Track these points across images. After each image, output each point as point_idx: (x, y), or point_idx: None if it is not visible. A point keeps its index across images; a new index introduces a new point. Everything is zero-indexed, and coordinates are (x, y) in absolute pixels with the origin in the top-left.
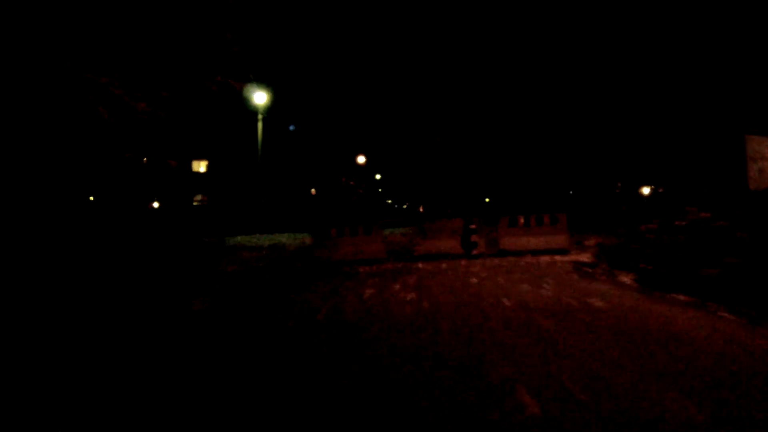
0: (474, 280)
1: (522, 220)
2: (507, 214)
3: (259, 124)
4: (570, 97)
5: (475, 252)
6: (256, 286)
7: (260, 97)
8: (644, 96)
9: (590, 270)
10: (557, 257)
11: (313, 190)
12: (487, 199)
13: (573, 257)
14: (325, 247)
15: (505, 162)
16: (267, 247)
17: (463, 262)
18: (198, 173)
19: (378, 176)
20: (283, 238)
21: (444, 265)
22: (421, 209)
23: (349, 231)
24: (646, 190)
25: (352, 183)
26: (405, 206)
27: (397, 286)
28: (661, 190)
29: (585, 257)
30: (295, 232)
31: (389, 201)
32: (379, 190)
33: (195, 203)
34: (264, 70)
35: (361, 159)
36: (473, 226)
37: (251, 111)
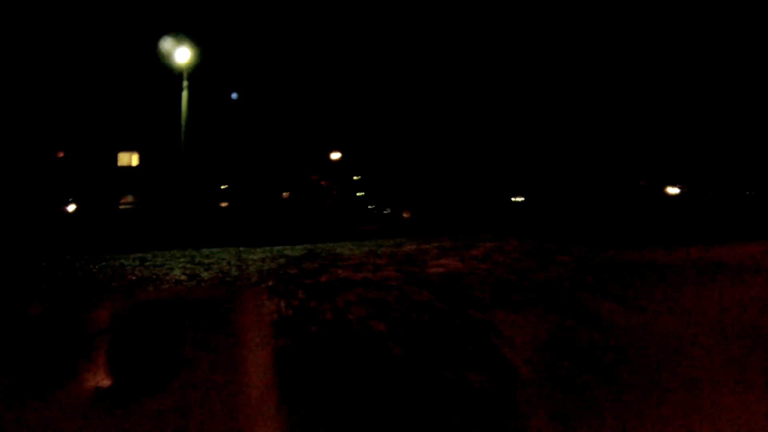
0: None
1: None
2: None
3: (184, 94)
4: (587, 80)
5: None
6: None
7: (183, 55)
8: (677, 82)
9: None
10: None
11: (285, 194)
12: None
13: None
14: None
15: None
16: (135, 281)
17: None
18: (127, 168)
19: (356, 177)
20: (204, 268)
21: None
22: (406, 215)
23: None
24: (673, 190)
25: (324, 183)
26: (387, 211)
27: None
28: (685, 190)
29: None
30: (234, 245)
31: (370, 206)
32: (359, 194)
33: (122, 206)
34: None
35: (335, 155)
36: None
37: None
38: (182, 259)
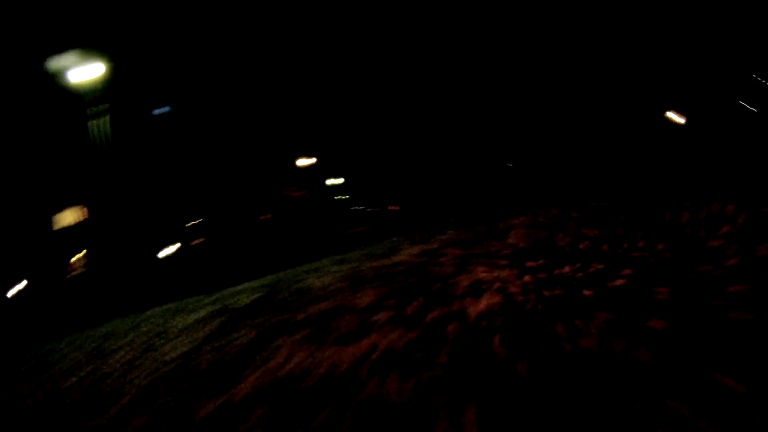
0: None
1: None
2: None
3: (93, 124)
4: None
5: None
6: None
7: (84, 72)
8: None
9: None
10: None
11: (266, 215)
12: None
13: None
14: None
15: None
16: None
17: None
18: (70, 227)
19: (337, 181)
20: (96, 366)
21: None
22: (395, 208)
23: None
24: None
25: (297, 193)
26: (374, 209)
27: None
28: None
29: None
30: (190, 294)
31: (360, 207)
32: (342, 197)
33: (74, 271)
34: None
35: (306, 161)
36: None
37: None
38: (88, 347)
